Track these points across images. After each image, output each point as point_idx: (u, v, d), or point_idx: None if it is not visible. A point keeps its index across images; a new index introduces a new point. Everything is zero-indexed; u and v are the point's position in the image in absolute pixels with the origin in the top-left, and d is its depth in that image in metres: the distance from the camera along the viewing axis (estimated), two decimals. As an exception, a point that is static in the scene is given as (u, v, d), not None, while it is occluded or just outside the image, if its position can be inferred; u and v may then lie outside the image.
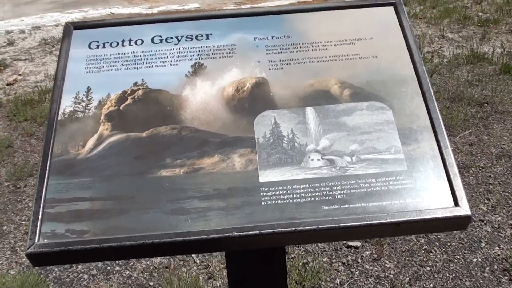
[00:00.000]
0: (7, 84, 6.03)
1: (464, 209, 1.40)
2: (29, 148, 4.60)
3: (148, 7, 9.47)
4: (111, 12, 9.17)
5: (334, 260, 3.14)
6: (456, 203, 1.41)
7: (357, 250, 3.21)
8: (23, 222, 3.64)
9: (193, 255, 3.25)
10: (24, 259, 3.30)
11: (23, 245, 3.42)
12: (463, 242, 3.21)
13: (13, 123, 5.05)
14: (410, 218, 1.38)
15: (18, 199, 3.92)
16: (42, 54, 6.98)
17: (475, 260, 3.07)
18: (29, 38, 7.70)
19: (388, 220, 1.37)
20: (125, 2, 10.03)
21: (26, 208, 3.80)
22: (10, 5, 10.41)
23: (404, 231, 1.43)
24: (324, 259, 3.15)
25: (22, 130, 4.88)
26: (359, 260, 3.13)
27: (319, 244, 3.25)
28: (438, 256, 3.11)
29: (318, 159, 1.50)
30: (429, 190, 1.44)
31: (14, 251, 3.40)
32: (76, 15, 9.00)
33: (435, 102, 1.59)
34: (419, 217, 1.38)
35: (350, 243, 3.25)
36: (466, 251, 3.14)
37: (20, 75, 6.30)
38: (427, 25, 6.81)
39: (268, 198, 1.43)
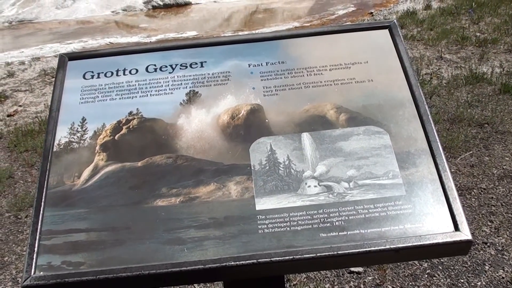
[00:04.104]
0: (8, 115, 6.05)
1: (465, 234, 1.38)
2: (30, 179, 4.60)
3: (146, 36, 9.54)
4: (109, 42, 9.24)
5: (336, 286, 3.11)
6: (457, 228, 1.39)
7: (359, 275, 3.18)
8: (25, 253, 3.62)
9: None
10: (24, 291, 3.27)
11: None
12: (466, 265, 3.18)
13: (14, 154, 5.06)
14: (410, 244, 1.36)
15: (19, 230, 3.90)
16: (42, 85, 7.01)
17: (479, 283, 3.04)
18: (29, 69, 7.74)
19: (388, 247, 1.36)
20: (124, 31, 10.11)
21: (28, 239, 3.77)
22: (10, 36, 10.50)
23: (403, 257, 1.41)
24: (327, 286, 3.12)
25: (23, 160, 4.88)
26: (362, 286, 3.10)
27: (320, 270, 3.22)
28: (442, 280, 3.08)
29: (315, 186, 1.48)
30: (428, 215, 1.42)
31: (16, 282, 3.37)
32: (75, 46, 9.07)
33: (433, 125, 1.57)
34: (419, 243, 1.36)
35: (353, 269, 3.22)
36: (470, 275, 3.10)
37: (20, 106, 6.32)
38: (425, 46, 6.84)
39: (265, 226, 1.42)
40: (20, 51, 8.96)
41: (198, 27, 10.12)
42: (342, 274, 3.20)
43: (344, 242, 1.38)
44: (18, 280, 3.38)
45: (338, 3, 10.99)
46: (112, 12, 11.83)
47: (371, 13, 9.61)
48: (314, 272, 3.21)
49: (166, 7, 11.91)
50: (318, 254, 1.35)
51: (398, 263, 3.22)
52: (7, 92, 6.78)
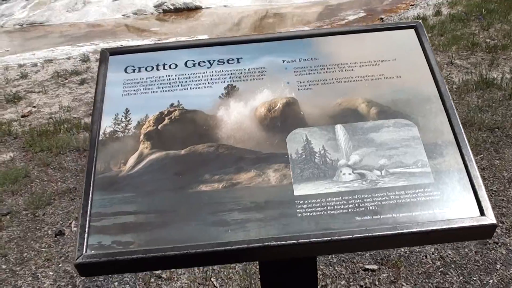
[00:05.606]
0: (22, 116, 6.12)
1: (490, 218, 1.47)
2: (46, 178, 4.66)
3: (157, 39, 9.62)
4: (121, 45, 9.30)
5: (352, 283, 3.17)
6: (482, 213, 1.48)
7: (374, 273, 3.23)
8: (43, 249, 3.68)
9: (212, 279, 3.28)
10: (45, 285, 3.34)
11: (44, 271, 3.46)
12: (478, 264, 3.24)
13: (29, 154, 5.12)
14: (439, 227, 1.45)
15: (37, 227, 3.96)
16: (55, 86, 7.09)
17: (491, 281, 3.09)
18: (42, 71, 7.82)
19: (418, 229, 1.44)
20: (134, 35, 10.19)
21: (45, 236, 3.84)
22: (21, 39, 10.59)
23: (433, 240, 1.49)
24: (342, 282, 3.18)
25: (39, 160, 4.94)
26: (377, 283, 3.15)
27: (336, 267, 3.28)
28: (455, 278, 3.14)
29: (350, 173, 1.57)
30: (455, 201, 1.51)
31: (36, 277, 3.43)
32: (87, 48, 9.15)
33: (458, 119, 1.66)
34: (447, 226, 1.45)
35: (367, 266, 3.28)
36: (482, 273, 3.16)
37: (34, 107, 6.39)
38: (436, 52, 6.88)
39: (303, 210, 1.50)
40: (32, 53, 9.06)
41: (208, 31, 10.20)
42: (357, 271, 3.26)
43: (378, 225, 1.46)
44: (38, 276, 3.43)
45: (347, 9, 11.06)
46: (123, 15, 11.92)
47: (381, 18, 9.67)
48: (330, 269, 3.27)
49: (177, 11, 12.00)
50: (354, 236, 1.43)
51: (412, 261, 3.28)
52: (21, 93, 6.86)
